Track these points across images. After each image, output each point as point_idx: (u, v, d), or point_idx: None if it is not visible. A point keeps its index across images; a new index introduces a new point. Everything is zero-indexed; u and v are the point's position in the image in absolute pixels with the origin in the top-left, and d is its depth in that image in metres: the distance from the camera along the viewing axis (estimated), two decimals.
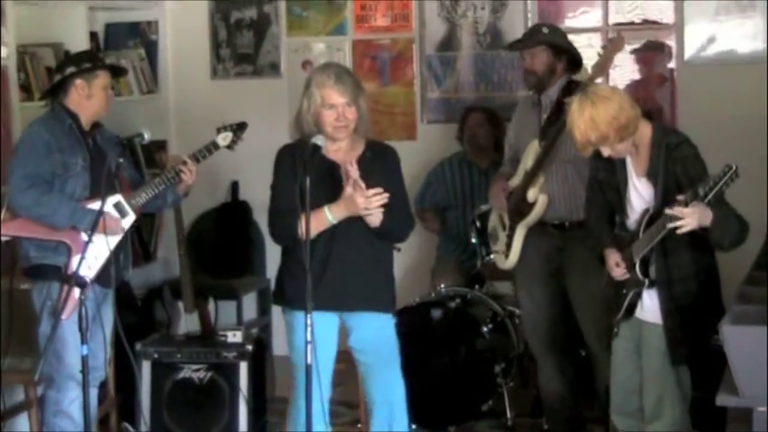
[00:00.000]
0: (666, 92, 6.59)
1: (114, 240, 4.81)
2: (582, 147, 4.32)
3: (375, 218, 4.46)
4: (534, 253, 5.43)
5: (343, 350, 4.76)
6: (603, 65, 5.28)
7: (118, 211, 4.89)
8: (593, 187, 4.70)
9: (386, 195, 4.41)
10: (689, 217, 4.09)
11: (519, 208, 5.41)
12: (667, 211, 4.12)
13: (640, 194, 4.44)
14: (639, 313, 4.50)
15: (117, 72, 5.35)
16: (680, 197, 4.09)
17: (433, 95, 7.06)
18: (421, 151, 6.95)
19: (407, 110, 7.12)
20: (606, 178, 4.57)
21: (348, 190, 4.42)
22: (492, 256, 5.75)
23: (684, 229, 4.12)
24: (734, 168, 3.94)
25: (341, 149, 4.58)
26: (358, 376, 4.80)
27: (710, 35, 6.50)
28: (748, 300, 4.17)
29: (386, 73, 7.13)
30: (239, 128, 5.10)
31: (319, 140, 4.42)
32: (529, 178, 5.35)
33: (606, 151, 4.33)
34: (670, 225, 4.13)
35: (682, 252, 4.32)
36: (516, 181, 5.47)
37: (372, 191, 4.38)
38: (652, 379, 4.47)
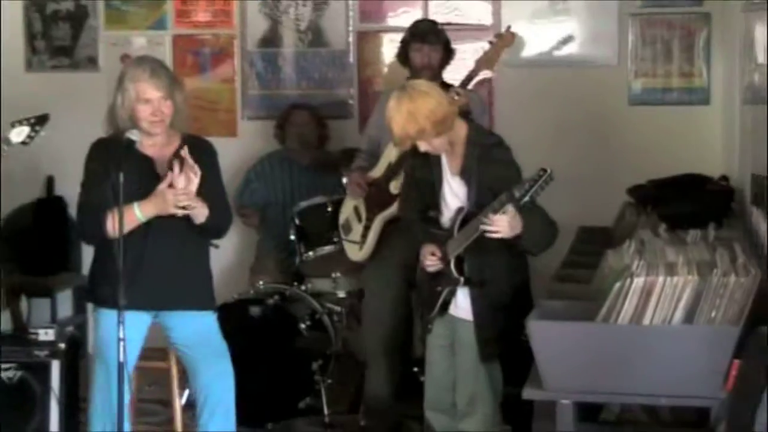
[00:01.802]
0: (483, 93, 6.62)
1: None
2: (401, 141, 4.35)
3: (201, 212, 4.39)
4: (389, 248, 5.42)
5: (161, 348, 4.67)
6: (490, 60, 5.33)
7: None
8: (409, 184, 4.74)
9: (191, 192, 4.34)
10: (501, 225, 4.16)
11: (380, 199, 5.40)
12: (482, 226, 4.19)
13: (454, 193, 4.49)
14: (453, 310, 4.55)
15: None
16: (495, 202, 4.14)
17: (254, 92, 7.02)
18: (241, 147, 6.91)
19: (228, 107, 7.07)
20: (422, 176, 4.60)
21: (161, 186, 4.33)
22: (345, 246, 5.70)
23: (496, 236, 4.20)
24: (549, 172, 4.01)
25: (157, 144, 4.50)
26: (172, 374, 4.74)
27: (527, 37, 6.60)
28: (555, 296, 4.27)
29: (207, 69, 7.07)
30: (38, 122, 4.82)
31: (133, 135, 4.34)
32: (394, 170, 5.35)
33: (423, 146, 4.37)
34: (483, 228, 4.20)
35: (496, 252, 4.37)
36: (377, 172, 5.46)
37: (181, 188, 4.30)
38: (465, 376, 4.52)
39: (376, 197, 5.43)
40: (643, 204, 5.31)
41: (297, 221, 6.09)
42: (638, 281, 3.75)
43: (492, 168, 4.36)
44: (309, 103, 6.74)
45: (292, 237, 6.11)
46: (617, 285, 3.76)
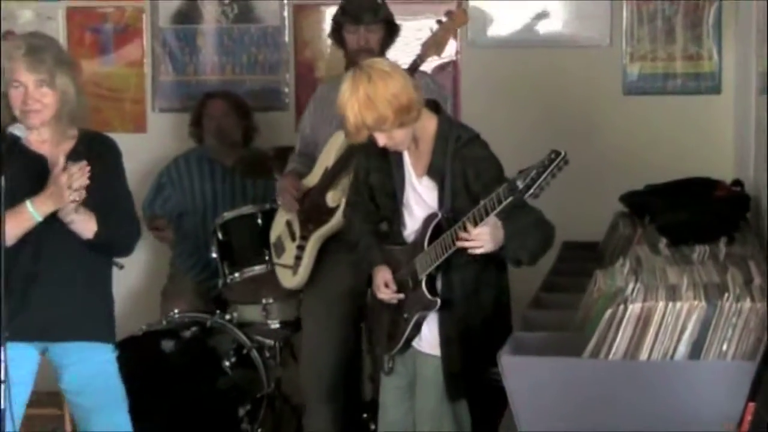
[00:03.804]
0: (447, 78, 6.69)
1: None
2: (355, 131, 4.32)
3: (84, 227, 4.36)
4: (332, 272, 5.42)
5: (54, 391, 4.65)
6: (439, 42, 5.35)
7: None
8: (360, 191, 4.73)
9: (87, 169, 4.31)
10: (482, 239, 4.17)
11: (315, 213, 5.40)
12: (459, 243, 4.19)
13: (421, 198, 4.49)
14: (416, 342, 4.57)
15: None
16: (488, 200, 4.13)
17: (167, 78, 7.03)
18: (152, 145, 6.92)
19: (136, 96, 7.08)
20: (379, 181, 4.61)
21: (55, 171, 4.29)
22: (276, 271, 5.70)
23: (477, 251, 4.21)
24: (563, 154, 3.97)
25: (48, 141, 4.48)
26: (66, 422, 4.72)
27: (495, 13, 6.66)
28: (533, 326, 4.28)
29: (110, 49, 7.06)
30: None
31: (17, 130, 4.32)
32: (331, 178, 5.36)
33: (382, 140, 4.35)
34: (459, 244, 4.21)
35: (467, 266, 4.39)
36: (312, 180, 5.45)
37: (76, 166, 4.28)
38: (426, 420, 4.53)
39: (311, 211, 5.43)
40: (639, 214, 5.35)
41: (220, 235, 6.09)
42: (634, 308, 3.76)
43: (470, 169, 4.37)
44: (228, 91, 6.75)
45: (214, 255, 6.12)
46: (608, 312, 3.77)
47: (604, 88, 6.63)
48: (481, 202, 4.15)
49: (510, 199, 4.04)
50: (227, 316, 6.13)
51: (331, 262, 5.43)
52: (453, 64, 6.67)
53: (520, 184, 4.00)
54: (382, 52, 5.45)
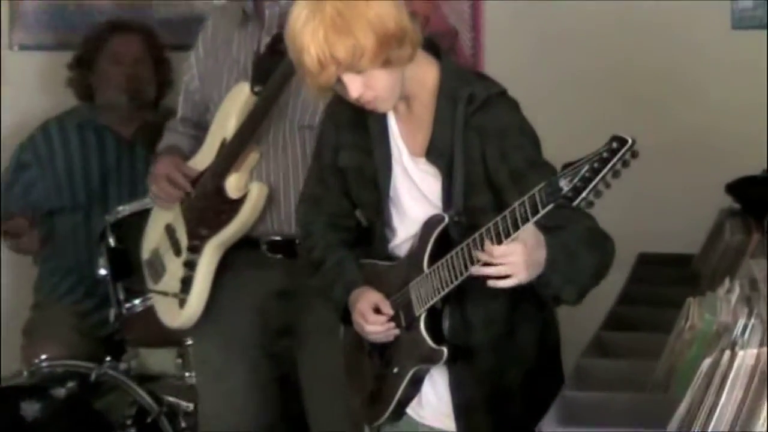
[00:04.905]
0: (462, 7, 6.76)
1: None
2: (318, 70, 4.18)
3: None
4: (235, 299, 5.48)
5: None
6: None
7: None
8: (324, 180, 4.69)
9: None
10: (510, 262, 4.09)
11: (210, 211, 5.43)
12: (474, 269, 4.14)
13: (418, 189, 4.45)
14: (414, 410, 4.55)
15: None
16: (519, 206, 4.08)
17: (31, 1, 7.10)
18: (8, 101, 7.03)
19: None
20: (355, 163, 4.56)
21: None
22: (150, 302, 5.78)
23: (504, 284, 4.12)
24: (631, 142, 3.91)
25: None
26: None
27: None
28: (590, 382, 4.28)
29: None
30: None
31: None
32: (232, 155, 5.38)
33: (355, 88, 4.24)
34: (475, 271, 4.14)
35: (491, 295, 4.29)
36: (204, 161, 5.50)
37: None
38: None
39: (203, 207, 5.46)
40: (756, 213, 5.36)
41: (112, 242, 6.10)
42: (746, 355, 3.70)
43: (489, 140, 4.30)
44: (142, 23, 6.84)
45: (103, 271, 6.12)
46: (707, 362, 3.73)
47: (704, 21, 6.66)
48: (508, 209, 4.08)
49: (551, 206, 3.98)
50: (123, 365, 6.16)
51: (235, 284, 5.47)
52: None
53: (565, 186, 3.94)
54: None
